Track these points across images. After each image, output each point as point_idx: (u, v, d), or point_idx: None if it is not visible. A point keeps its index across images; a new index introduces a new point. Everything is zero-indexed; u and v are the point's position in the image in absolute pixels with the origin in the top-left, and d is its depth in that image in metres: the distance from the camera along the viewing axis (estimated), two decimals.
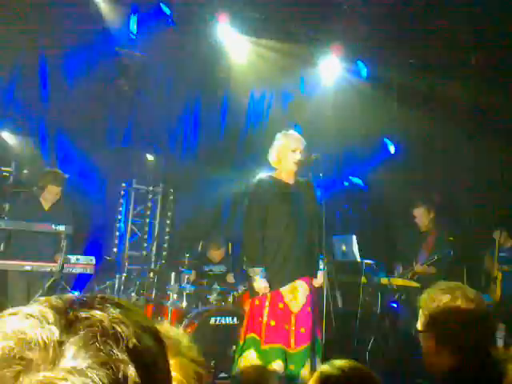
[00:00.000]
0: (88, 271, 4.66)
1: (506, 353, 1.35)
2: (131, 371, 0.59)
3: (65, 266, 4.42)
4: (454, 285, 1.93)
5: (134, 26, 6.29)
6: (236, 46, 6.70)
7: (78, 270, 4.61)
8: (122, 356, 0.59)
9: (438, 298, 1.89)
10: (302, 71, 7.15)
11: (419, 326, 1.94)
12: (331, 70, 7.02)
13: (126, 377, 0.58)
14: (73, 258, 4.64)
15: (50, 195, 5.15)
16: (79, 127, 6.22)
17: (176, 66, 6.74)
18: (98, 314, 0.61)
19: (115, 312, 0.63)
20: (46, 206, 5.21)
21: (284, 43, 6.66)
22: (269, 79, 7.03)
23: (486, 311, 1.88)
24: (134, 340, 0.61)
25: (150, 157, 7.03)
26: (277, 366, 3.57)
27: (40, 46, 6.01)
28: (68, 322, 0.60)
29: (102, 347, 0.59)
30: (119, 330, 0.61)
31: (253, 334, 3.65)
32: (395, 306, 5.64)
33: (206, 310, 5.28)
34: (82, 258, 4.67)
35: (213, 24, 6.39)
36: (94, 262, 4.65)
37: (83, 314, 0.61)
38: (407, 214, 6.06)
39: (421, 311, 1.94)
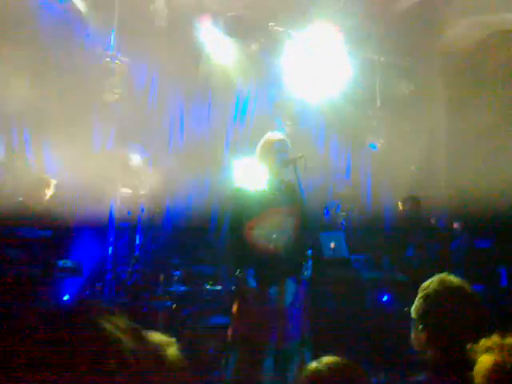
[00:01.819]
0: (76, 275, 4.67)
1: (484, 344, 1.41)
2: (113, 366, 0.63)
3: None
4: (458, 282, 1.94)
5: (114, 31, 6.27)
6: (219, 47, 6.70)
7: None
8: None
9: (437, 293, 1.91)
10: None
11: (413, 312, 1.98)
12: None
13: (110, 371, 0.63)
14: (61, 263, 4.63)
15: (38, 201, 5.16)
16: (63, 132, 6.18)
17: (159, 67, 6.72)
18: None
19: (95, 317, 0.66)
20: (34, 211, 5.20)
21: (267, 43, 6.69)
22: (253, 79, 7.04)
23: (480, 309, 1.91)
24: (113, 341, 0.65)
25: (135, 159, 7.01)
26: (267, 363, 3.60)
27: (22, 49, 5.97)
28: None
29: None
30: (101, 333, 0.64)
31: (241, 334, 3.68)
32: (386, 298, 5.68)
33: (197, 311, 5.30)
34: (70, 263, 4.66)
35: (196, 25, 6.40)
36: (82, 266, 4.65)
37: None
38: (395, 208, 6.13)
39: (417, 298, 1.97)
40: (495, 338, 1.38)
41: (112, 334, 0.65)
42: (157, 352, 1.17)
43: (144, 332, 0.75)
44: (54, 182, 5.30)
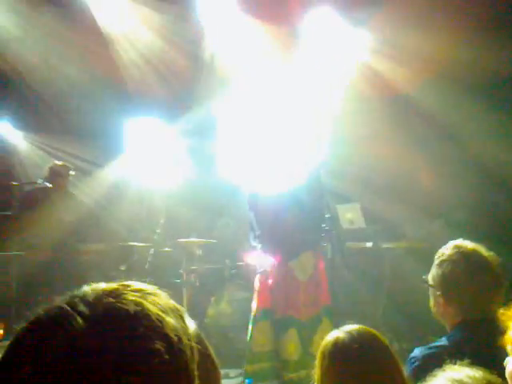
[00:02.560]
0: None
1: (507, 311, 1.37)
2: (159, 346, 0.65)
3: None
4: (473, 246, 1.96)
5: None
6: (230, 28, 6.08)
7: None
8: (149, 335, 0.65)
9: (450, 256, 1.93)
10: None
11: (430, 279, 2.01)
12: None
13: (154, 351, 0.64)
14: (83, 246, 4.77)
15: (57, 187, 5.29)
16: None
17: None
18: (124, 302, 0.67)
19: (138, 298, 0.69)
20: (53, 196, 5.34)
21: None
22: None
23: (496, 271, 1.91)
24: (157, 321, 0.67)
25: None
26: (291, 333, 3.69)
27: None
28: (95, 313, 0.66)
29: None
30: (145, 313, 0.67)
31: (264, 307, 3.76)
32: None
33: (219, 286, 5.41)
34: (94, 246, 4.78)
35: None
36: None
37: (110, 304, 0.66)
38: (412, 177, 6.05)
39: (434, 265, 2.00)
40: None
41: (154, 314, 0.67)
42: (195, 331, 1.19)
43: (183, 311, 0.77)
44: (70, 168, 5.48)
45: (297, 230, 3.80)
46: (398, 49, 5.66)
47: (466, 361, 1.30)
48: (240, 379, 4.24)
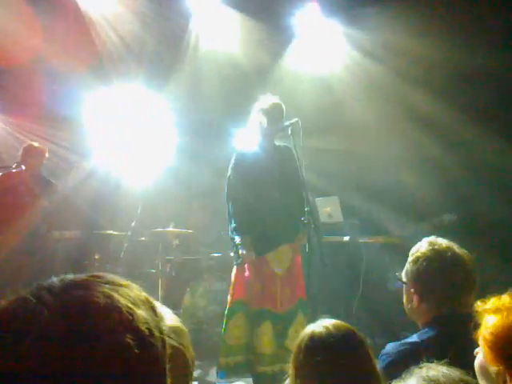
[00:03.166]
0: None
1: (494, 304, 1.35)
2: (129, 340, 0.63)
3: None
4: (446, 243, 1.96)
5: None
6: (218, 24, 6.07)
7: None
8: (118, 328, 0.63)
9: (424, 254, 1.94)
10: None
11: (404, 276, 2.02)
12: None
13: (124, 345, 0.62)
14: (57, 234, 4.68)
15: (30, 169, 5.17)
16: None
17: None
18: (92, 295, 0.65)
19: (108, 290, 0.66)
20: (28, 181, 5.23)
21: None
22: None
23: (468, 268, 1.92)
24: (127, 314, 0.65)
25: None
26: (266, 326, 3.68)
27: None
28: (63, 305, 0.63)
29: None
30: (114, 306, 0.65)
31: (240, 299, 3.74)
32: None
33: (195, 277, 5.39)
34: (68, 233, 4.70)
35: None
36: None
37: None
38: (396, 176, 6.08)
39: (407, 262, 2.00)
40: (506, 299, 1.31)
41: (125, 307, 0.65)
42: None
43: (154, 303, 0.75)
44: (44, 150, 5.37)
45: (276, 223, 3.79)
46: (389, 48, 5.72)
47: (444, 360, 1.28)
48: (199, 371, 4.23)
